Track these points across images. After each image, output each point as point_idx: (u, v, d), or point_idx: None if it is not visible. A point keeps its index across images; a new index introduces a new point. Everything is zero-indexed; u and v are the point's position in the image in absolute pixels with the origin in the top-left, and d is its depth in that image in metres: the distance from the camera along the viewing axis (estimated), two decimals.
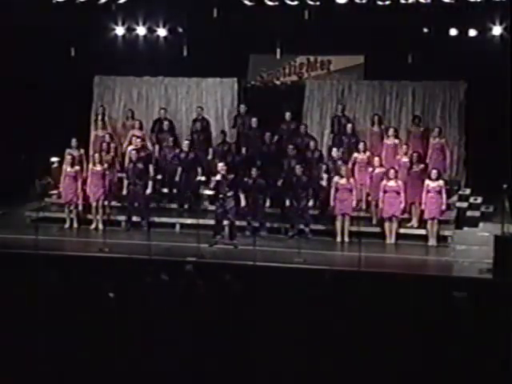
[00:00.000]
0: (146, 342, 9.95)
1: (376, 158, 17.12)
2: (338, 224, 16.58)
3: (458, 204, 17.71)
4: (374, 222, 17.02)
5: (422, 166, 16.97)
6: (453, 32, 18.56)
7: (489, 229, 16.67)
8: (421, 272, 14.85)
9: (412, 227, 16.74)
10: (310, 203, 16.64)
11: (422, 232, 16.48)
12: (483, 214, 17.68)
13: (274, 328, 9.99)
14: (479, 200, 17.97)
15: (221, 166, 16.54)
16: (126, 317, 10.42)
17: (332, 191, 16.57)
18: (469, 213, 17.65)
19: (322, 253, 16.16)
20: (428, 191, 16.29)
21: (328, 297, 11.15)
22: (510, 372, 9.13)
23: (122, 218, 17.65)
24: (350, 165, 17.35)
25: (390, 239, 16.46)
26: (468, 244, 16.32)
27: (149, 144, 18.86)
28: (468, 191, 18.29)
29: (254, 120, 18.39)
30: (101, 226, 17.38)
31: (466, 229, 17.24)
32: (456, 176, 18.54)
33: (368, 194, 17.15)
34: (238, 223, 16.65)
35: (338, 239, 16.58)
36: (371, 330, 9.85)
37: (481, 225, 17.42)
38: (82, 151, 18.23)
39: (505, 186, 15.06)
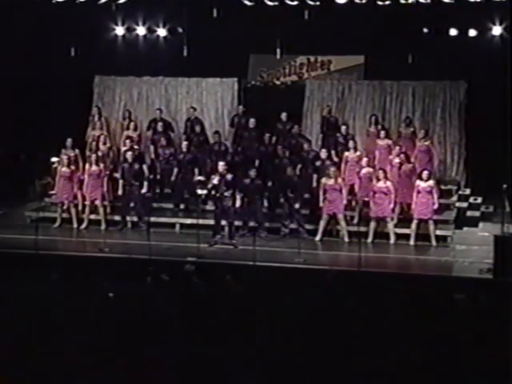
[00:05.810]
0: (146, 342, 9.95)
1: (364, 159, 17.06)
2: (322, 223, 16.52)
3: (458, 204, 17.71)
4: (356, 221, 16.94)
5: (410, 165, 16.95)
6: (453, 32, 18.55)
7: (489, 229, 16.66)
8: (421, 272, 14.85)
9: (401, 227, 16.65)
10: (298, 204, 16.58)
11: (422, 232, 16.47)
12: (483, 214, 17.67)
13: (274, 328, 9.99)
14: (479, 200, 17.96)
15: (221, 165, 16.52)
16: (126, 317, 10.42)
17: (320, 192, 16.52)
18: (469, 213, 17.64)
19: (322, 253, 16.18)
20: (418, 191, 16.23)
21: (328, 297, 11.15)
22: (510, 372, 9.12)
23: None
24: (342, 164, 17.32)
25: (371, 238, 16.34)
26: (468, 244, 16.30)
27: (142, 144, 18.87)
28: (468, 191, 18.29)
29: (252, 121, 18.37)
30: (103, 226, 17.44)
31: (465, 229, 17.22)
32: (456, 176, 18.56)
33: (355, 194, 17.11)
34: (237, 223, 16.65)
35: (317, 238, 16.54)
36: (371, 330, 9.85)
37: (481, 225, 17.40)
38: (77, 151, 18.19)
39: (505, 186, 15.08)
